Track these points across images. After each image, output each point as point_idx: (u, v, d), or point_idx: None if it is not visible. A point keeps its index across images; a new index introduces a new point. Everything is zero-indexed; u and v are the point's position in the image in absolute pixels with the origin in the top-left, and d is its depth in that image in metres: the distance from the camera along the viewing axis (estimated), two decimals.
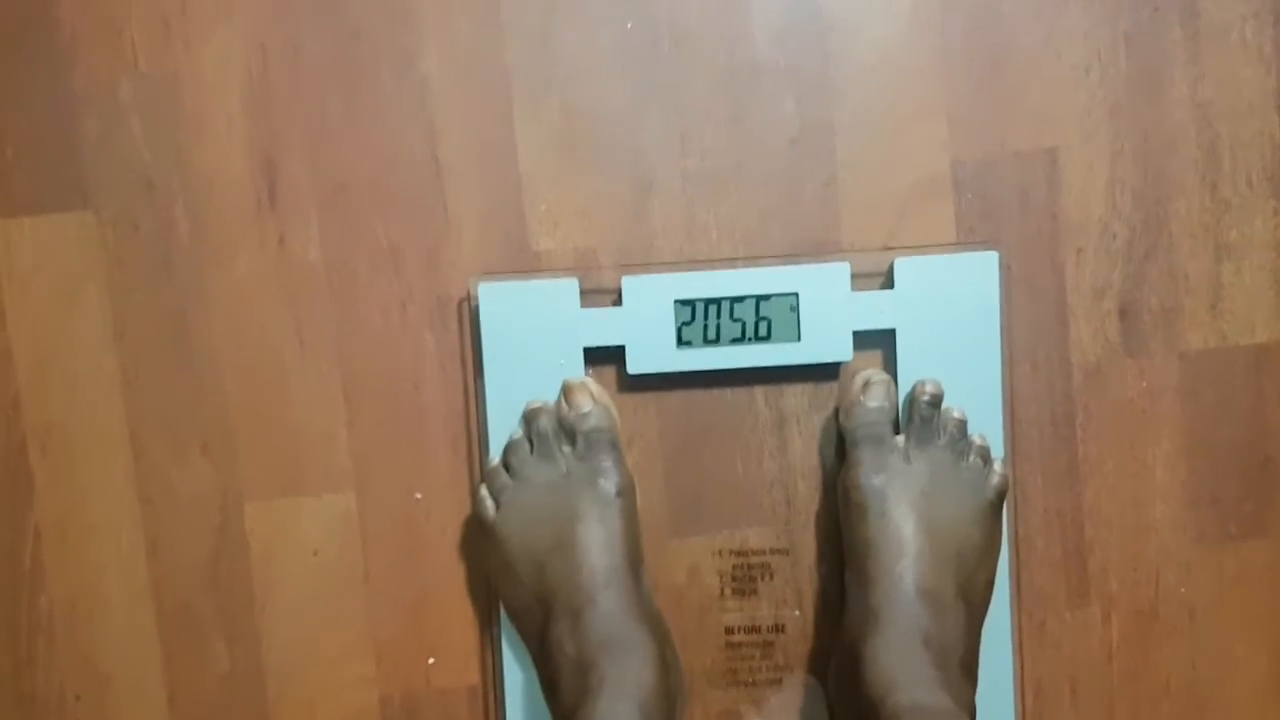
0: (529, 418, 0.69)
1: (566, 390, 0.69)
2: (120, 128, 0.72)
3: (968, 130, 0.72)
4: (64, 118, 0.71)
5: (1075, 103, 0.72)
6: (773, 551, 0.73)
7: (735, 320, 0.70)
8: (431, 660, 0.74)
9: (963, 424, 0.69)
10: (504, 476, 0.69)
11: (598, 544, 0.67)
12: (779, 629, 0.74)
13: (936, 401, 0.68)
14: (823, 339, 0.70)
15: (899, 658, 0.64)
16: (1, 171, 0.72)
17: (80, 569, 0.73)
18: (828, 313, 0.70)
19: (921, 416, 0.68)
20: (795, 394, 0.73)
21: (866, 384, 0.68)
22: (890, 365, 0.71)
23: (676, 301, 0.70)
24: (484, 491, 0.69)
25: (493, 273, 0.72)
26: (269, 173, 0.72)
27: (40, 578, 0.73)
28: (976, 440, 0.69)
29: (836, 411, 0.72)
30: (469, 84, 0.72)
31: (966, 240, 0.72)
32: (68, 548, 0.73)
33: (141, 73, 0.71)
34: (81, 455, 0.73)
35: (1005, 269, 0.70)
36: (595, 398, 0.69)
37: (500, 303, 0.70)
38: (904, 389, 0.70)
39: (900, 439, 0.69)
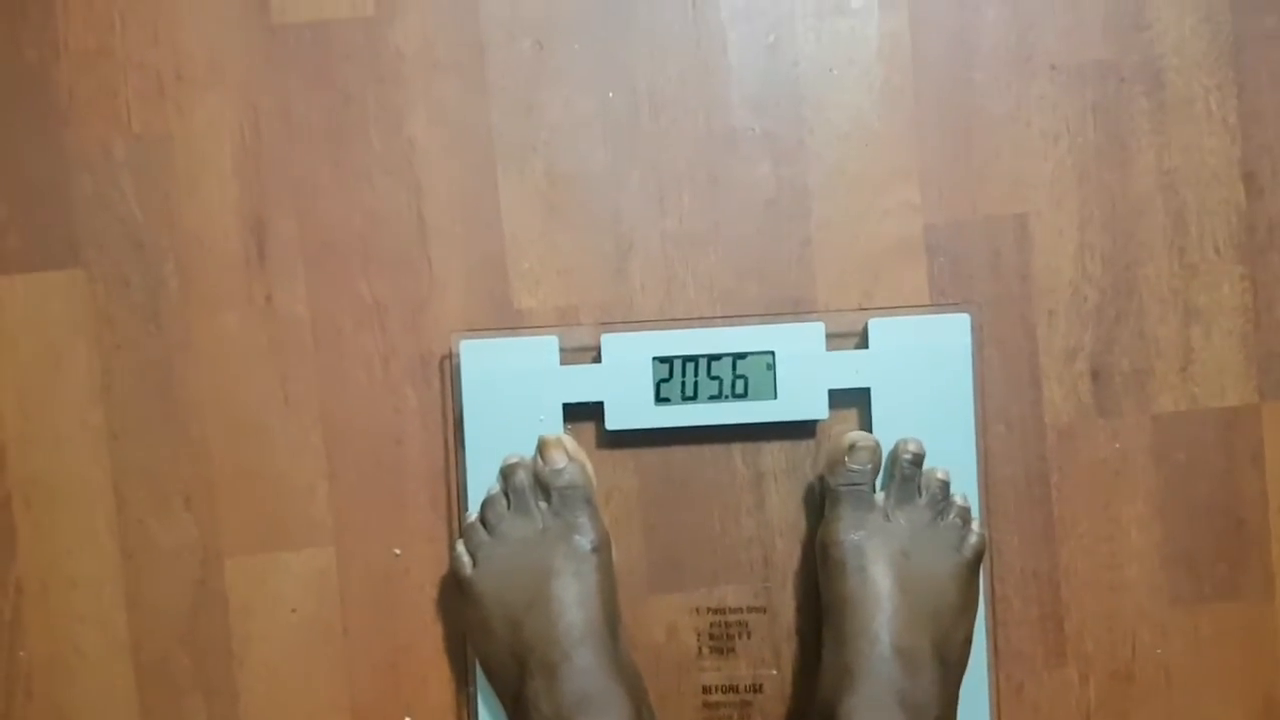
0: (506, 473, 0.70)
1: (541, 446, 0.69)
2: (113, 187, 0.73)
3: (940, 195, 0.73)
4: (58, 176, 0.73)
5: (1044, 170, 0.74)
6: (750, 610, 0.74)
7: (713, 378, 0.71)
8: (408, 719, 0.74)
9: (945, 485, 0.69)
10: (481, 533, 0.69)
11: (573, 600, 0.67)
12: (757, 689, 0.74)
13: (918, 461, 0.69)
14: (799, 397, 0.71)
15: (874, 717, 0.64)
16: None
17: (60, 623, 0.73)
18: (803, 371, 0.71)
19: (903, 475, 0.69)
20: (772, 451, 0.74)
21: (853, 446, 0.69)
22: (865, 424, 0.72)
23: (655, 359, 0.71)
24: (460, 548, 0.70)
25: (476, 329, 0.73)
26: (258, 231, 0.73)
27: (20, 632, 0.73)
28: (957, 500, 0.69)
29: (816, 468, 0.73)
30: (455, 146, 0.74)
31: (939, 302, 0.73)
32: (48, 601, 0.73)
33: (135, 133, 0.73)
34: (65, 509, 0.73)
35: (977, 330, 0.72)
36: (570, 454, 0.69)
37: (481, 359, 0.71)
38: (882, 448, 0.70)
39: (880, 496, 0.69)
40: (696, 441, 0.73)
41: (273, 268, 0.73)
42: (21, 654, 0.73)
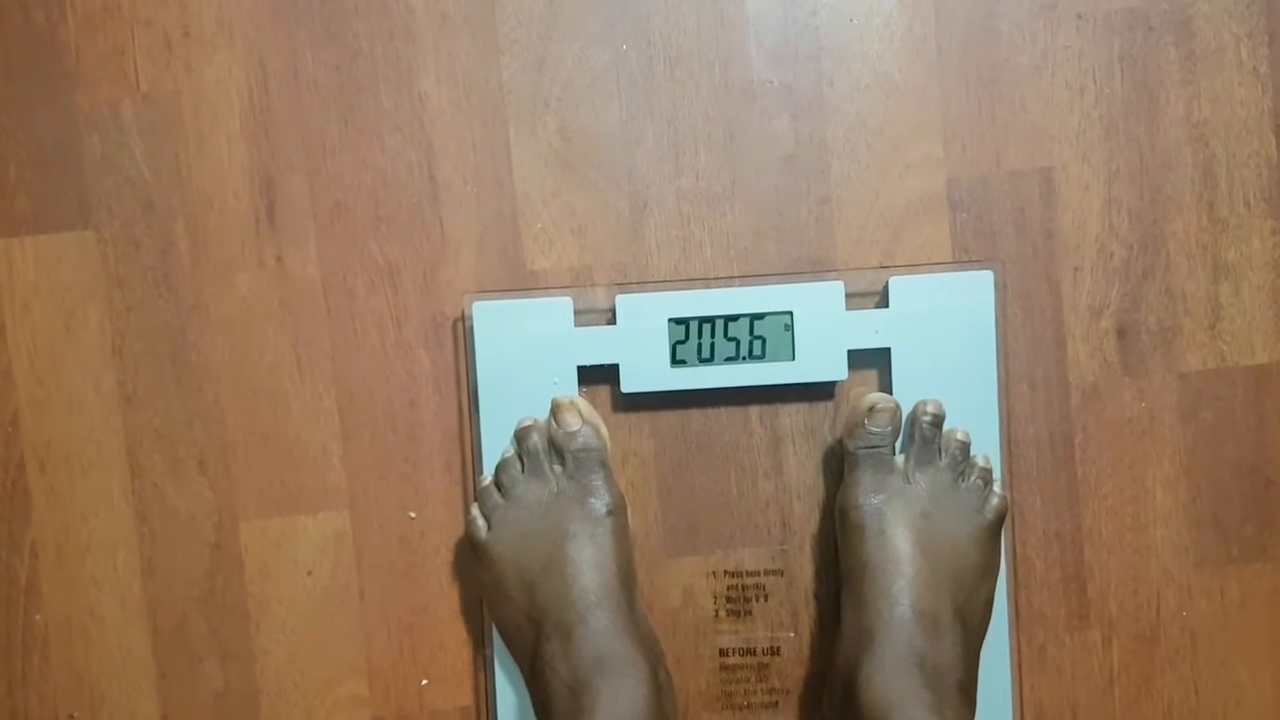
0: (520, 436, 0.69)
1: (555, 409, 0.69)
2: (122, 147, 0.72)
3: (963, 149, 0.72)
4: (67, 137, 0.72)
5: (1071, 122, 0.72)
6: (767, 573, 0.73)
7: (729, 339, 0.70)
8: (425, 681, 0.73)
9: (965, 446, 0.68)
10: (495, 496, 0.69)
11: (589, 563, 0.66)
12: (774, 651, 0.73)
13: (938, 422, 0.68)
14: (817, 358, 0.70)
15: (894, 680, 0.63)
16: (5, 191, 0.72)
17: (76, 587, 0.73)
18: (822, 332, 0.69)
19: (923, 437, 0.68)
20: (790, 414, 0.72)
21: (873, 409, 0.68)
22: (885, 385, 0.71)
23: (670, 320, 0.70)
24: (475, 511, 0.69)
25: (489, 291, 0.72)
26: (268, 191, 0.72)
27: (36, 596, 0.73)
28: (979, 462, 0.68)
29: (835, 430, 0.72)
30: (466, 104, 0.72)
31: (962, 259, 0.72)
32: (64, 565, 0.73)
33: (143, 93, 0.72)
34: (79, 473, 0.73)
35: (1001, 288, 0.70)
36: (584, 416, 0.68)
37: (495, 321, 0.70)
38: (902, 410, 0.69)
39: (900, 459, 0.68)
40: (713, 404, 0.72)
41: (283, 228, 0.72)
42: (38, 618, 0.73)
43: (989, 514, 0.68)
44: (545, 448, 0.68)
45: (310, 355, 0.73)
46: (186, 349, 0.73)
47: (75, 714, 0.74)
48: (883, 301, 0.71)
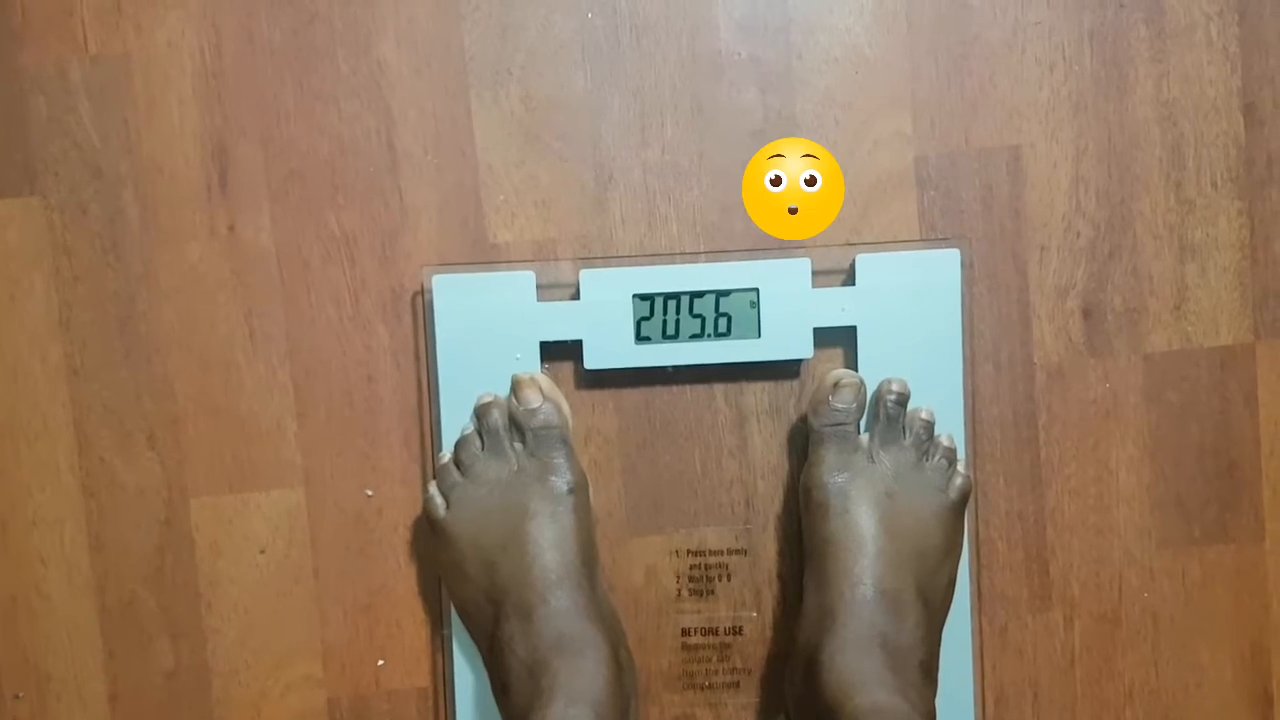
0: (480, 413, 0.68)
1: (515, 386, 0.67)
2: (69, 111, 0.70)
3: (932, 125, 0.71)
4: (12, 100, 0.70)
5: (1040, 100, 0.71)
6: (731, 552, 0.72)
7: (695, 316, 0.69)
8: (381, 662, 0.72)
9: (930, 425, 0.68)
10: (454, 473, 0.68)
11: (549, 542, 0.65)
12: (736, 631, 0.72)
13: (903, 401, 0.67)
14: (783, 336, 0.69)
15: (855, 659, 0.63)
16: None
17: (21, 563, 0.71)
18: (788, 309, 0.68)
19: (887, 415, 0.67)
20: (755, 392, 0.72)
21: (837, 384, 0.67)
22: (851, 363, 0.70)
23: (635, 296, 0.68)
24: (433, 489, 0.68)
25: (449, 264, 0.70)
26: (220, 158, 0.70)
27: None
28: (943, 441, 0.68)
29: (800, 408, 0.71)
30: (426, 70, 0.70)
31: (929, 237, 0.71)
32: (9, 541, 0.71)
33: (92, 55, 0.70)
34: (25, 446, 0.71)
35: (968, 266, 0.70)
36: (545, 393, 0.67)
37: (455, 295, 0.69)
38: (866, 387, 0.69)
39: (865, 438, 0.68)
40: (678, 381, 0.71)
41: (236, 196, 0.70)
42: None
43: (953, 494, 0.67)
44: (506, 425, 0.67)
45: (264, 327, 0.71)
46: (135, 320, 0.71)
47: (20, 693, 0.72)
48: (849, 279, 0.70)
